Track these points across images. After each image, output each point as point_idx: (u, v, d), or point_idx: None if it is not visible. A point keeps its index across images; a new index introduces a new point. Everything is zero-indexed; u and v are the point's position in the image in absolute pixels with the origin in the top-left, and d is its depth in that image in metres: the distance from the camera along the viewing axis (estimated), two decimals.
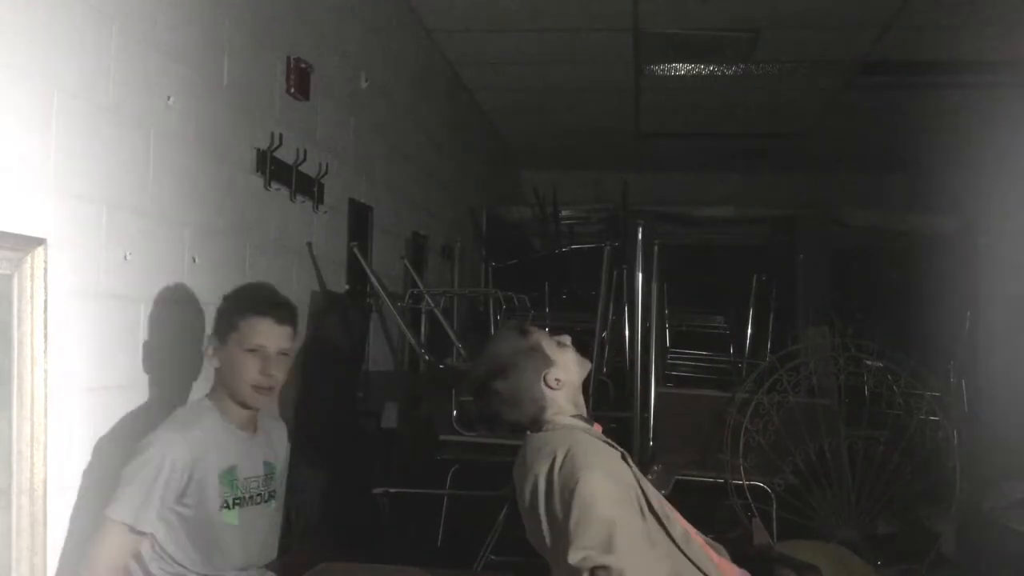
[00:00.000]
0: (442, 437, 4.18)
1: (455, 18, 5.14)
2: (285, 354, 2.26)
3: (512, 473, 2.28)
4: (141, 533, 2.08)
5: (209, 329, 2.34)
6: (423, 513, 3.97)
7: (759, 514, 3.74)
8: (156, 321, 2.47)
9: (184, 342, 2.62)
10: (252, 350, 2.20)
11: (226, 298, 2.31)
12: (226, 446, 2.21)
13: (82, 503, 2.20)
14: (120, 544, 2.07)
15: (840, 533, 3.86)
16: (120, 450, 2.20)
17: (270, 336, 2.22)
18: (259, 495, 2.29)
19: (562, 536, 2.01)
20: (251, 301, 2.27)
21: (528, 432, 2.27)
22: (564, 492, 2.02)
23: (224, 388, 2.25)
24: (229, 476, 2.20)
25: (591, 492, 2.00)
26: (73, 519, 2.18)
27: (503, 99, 6.82)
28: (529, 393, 2.24)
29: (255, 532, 2.28)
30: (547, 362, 2.25)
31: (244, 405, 2.26)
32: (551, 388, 2.25)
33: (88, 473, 2.22)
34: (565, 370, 2.27)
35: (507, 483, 3.68)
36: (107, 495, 2.09)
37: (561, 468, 2.06)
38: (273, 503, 2.36)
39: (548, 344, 2.30)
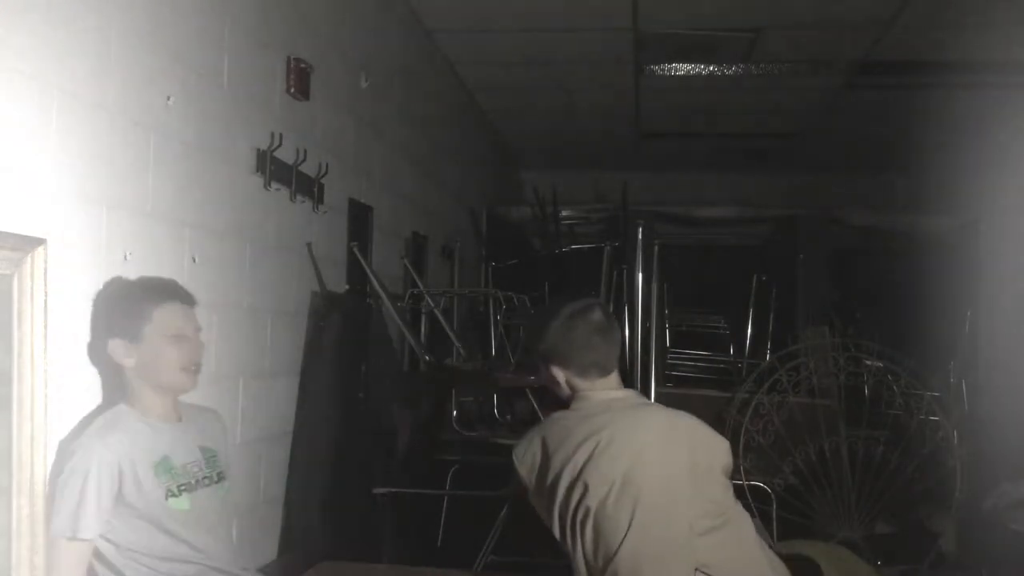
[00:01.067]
0: (442, 437, 4.19)
1: (455, 18, 5.14)
2: (199, 331, 2.32)
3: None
4: (82, 540, 2.07)
5: None
6: (423, 513, 3.96)
7: (759, 514, 3.74)
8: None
9: None
10: (173, 336, 2.22)
11: (121, 296, 2.26)
12: (151, 440, 2.20)
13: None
14: (68, 559, 2.06)
15: (840, 533, 3.86)
16: None
17: (186, 319, 2.27)
18: (206, 478, 2.30)
19: None
20: (157, 291, 2.27)
21: None
22: None
23: (142, 384, 2.22)
24: (164, 465, 2.20)
25: None
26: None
27: (503, 99, 6.81)
28: None
29: (212, 513, 2.29)
30: None
31: (177, 390, 2.26)
32: None
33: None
34: None
35: (507, 483, 3.69)
36: None
37: None
38: (226, 484, 2.36)
39: None
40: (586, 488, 2.31)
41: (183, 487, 2.22)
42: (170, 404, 2.29)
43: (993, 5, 4.62)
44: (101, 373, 2.31)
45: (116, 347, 2.19)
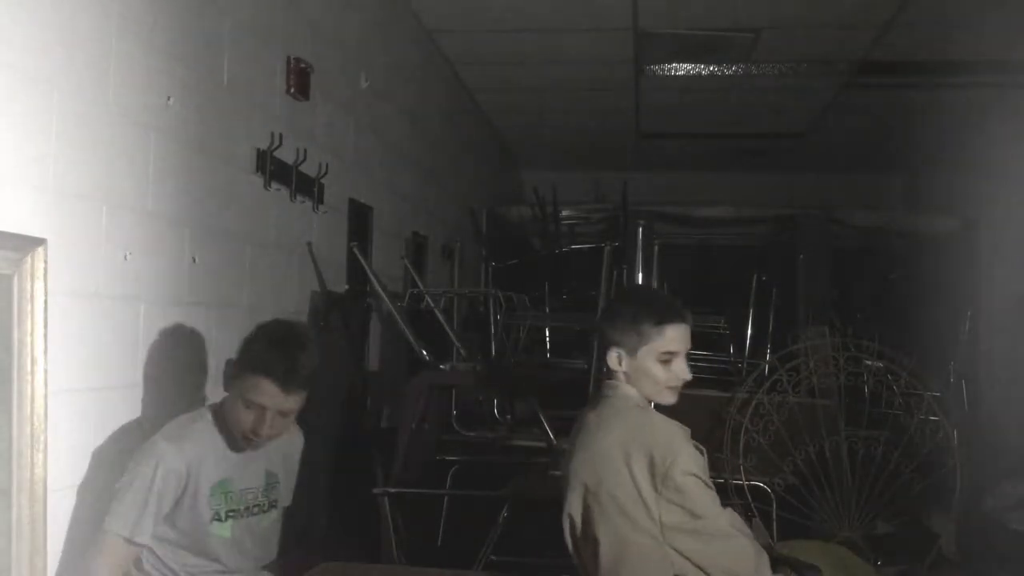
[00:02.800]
0: (442, 437, 4.19)
1: (455, 18, 5.14)
2: (286, 415, 2.18)
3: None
4: (138, 545, 2.08)
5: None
6: (423, 513, 3.96)
7: (759, 514, 3.74)
8: (154, 322, 2.47)
9: (182, 345, 2.62)
10: (250, 405, 2.14)
11: (253, 336, 2.20)
12: (219, 458, 2.20)
13: (81, 504, 2.20)
14: (118, 556, 2.08)
15: (840, 533, 3.85)
16: (117, 452, 2.20)
17: (274, 400, 2.13)
18: (257, 506, 2.28)
19: None
20: (264, 359, 2.12)
21: None
22: None
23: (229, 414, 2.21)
24: (222, 488, 2.20)
25: None
26: (73, 521, 2.18)
27: (503, 99, 6.82)
28: None
29: (249, 542, 2.28)
30: None
31: (233, 445, 2.23)
32: None
33: (86, 480, 2.22)
34: None
35: (507, 483, 3.69)
36: (106, 500, 2.10)
37: None
38: (274, 512, 2.35)
39: None
40: None
41: (231, 513, 2.21)
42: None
43: (993, 5, 4.63)
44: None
45: (227, 370, 2.19)
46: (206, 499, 2.16)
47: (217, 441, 2.21)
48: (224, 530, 2.20)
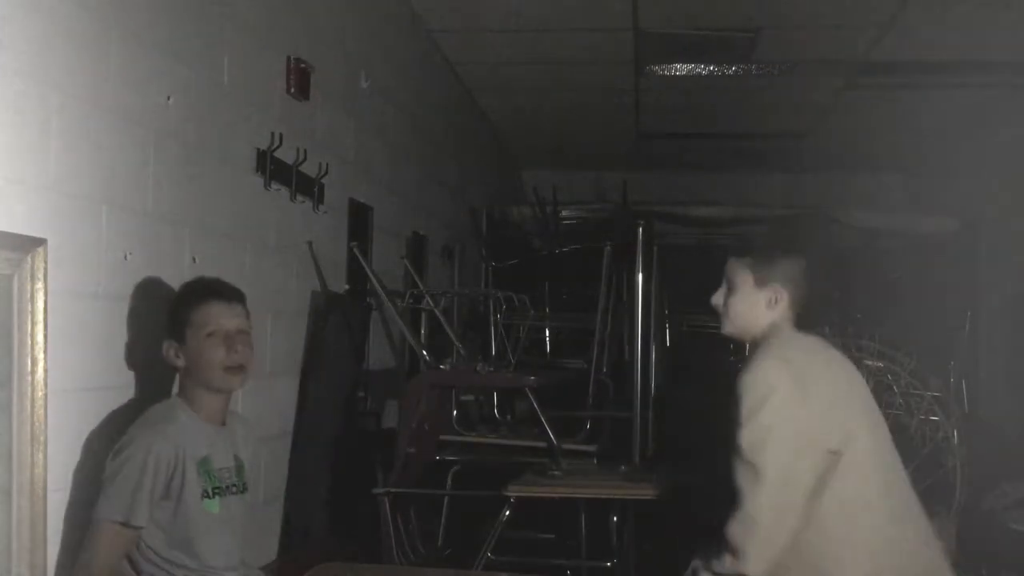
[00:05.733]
0: (442, 437, 4.19)
1: (455, 18, 5.14)
2: (245, 332, 2.31)
3: None
4: (135, 528, 2.09)
5: None
6: (423, 513, 3.96)
7: None
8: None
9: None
10: (211, 334, 2.24)
11: (173, 299, 2.35)
12: (199, 437, 2.24)
13: (74, 503, 2.20)
14: (114, 544, 2.09)
15: None
16: (107, 448, 2.20)
17: (223, 316, 2.27)
18: (234, 485, 2.33)
19: None
20: (195, 291, 2.31)
21: None
22: None
23: (194, 383, 2.28)
24: (204, 466, 2.23)
25: None
26: (66, 519, 2.17)
27: (503, 99, 6.81)
28: None
29: (235, 522, 2.32)
30: None
31: (220, 390, 2.29)
32: None
33: (79, 472, 2.22)
34: None
35: (507, 483, 3.69)
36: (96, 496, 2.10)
37: None
38: (247, 495, 2.40)
39: None
40: None
41: (216, 490, 2.25)
42: (220, 407, 2.33)
43: (993, 5, 4.62)
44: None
45: (168, 349, 2.27)
46: (195, 477, 2.20)
47: (195, 421, 2.26)
48: (213, 506, 2.23)
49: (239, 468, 2.38)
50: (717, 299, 2.65)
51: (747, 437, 2.39)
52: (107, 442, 2.22)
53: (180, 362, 2.27)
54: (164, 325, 2.31)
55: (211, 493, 2.23)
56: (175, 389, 2.37)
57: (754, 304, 2.59)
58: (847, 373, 2.64)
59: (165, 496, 2.15)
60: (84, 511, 2.15)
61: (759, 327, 2.60)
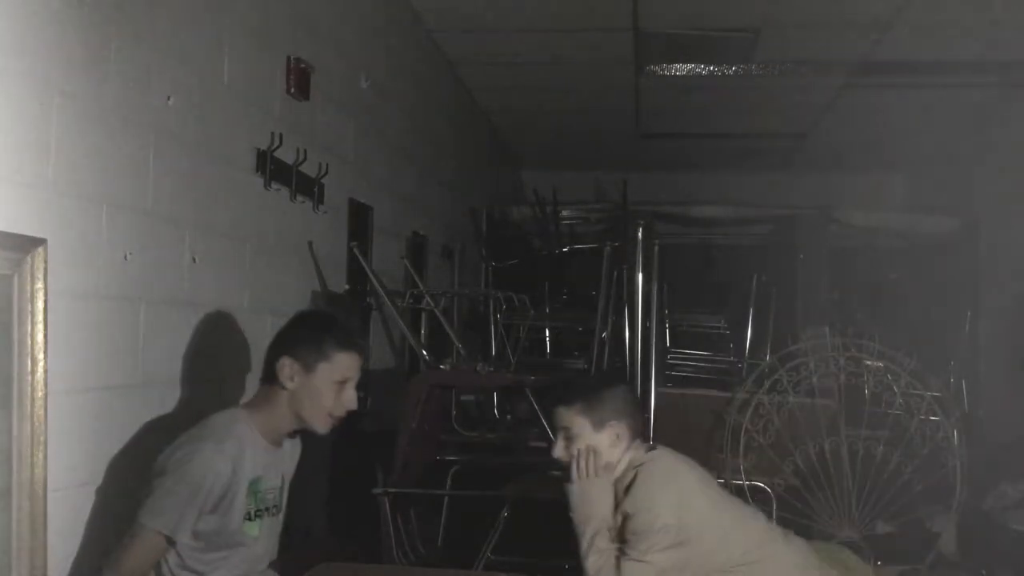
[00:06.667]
0: (442, 437, 4.19)
1: (455, 18, 5.14)
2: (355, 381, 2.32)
3: None
4: (174, 544, 2.09)
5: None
6: (423, 513, 3.96)
7: None
8: (157, 323, 2.47)
9: (184, 344, 2.62)
10: (341, 382, 2.25)
11: (312, 324, 2.33)
12: (256, 458, 2.22)
13: (81, 504, 2.20)
14: (152, 552, 2.08)
15: (840, 533, 3.86)
16: (123, 453, 2.20)
17: (356, 370, 2.29)
18: (275, 506, 2.32)
19: None
20: (346, 335, 2.29)
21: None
22: None
23: (289, 408, 2.25)
24: (255, 487, 2.22)
25: None
26: (74, 521, 2.18)
27: (503, 99, 6.81)
28: None
29: (269, 541, 2.32)
30: None
31: (313, 430, 2.28)
32: None
33: (93, 479, 2.22)
34: None
35: (507, 483, 3.69)
36: (114, 498, 2.10)
37: None
38: (281, 515, 2.39)
39: None
40: None
41: (258, 513, 2.24)
42: (287, 433, 2.32)
43: (993, 5, 4.63)
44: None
45: (286, 365, 2.23)
46: (243, 498, 2.18)
47: (256, 439, 2.23)
48: (252, 528, 2.22)
49: (282, 488, 2.36)
50: (559, 452, 2.63)
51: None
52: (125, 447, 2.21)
53: (292, 384, 2.23)
54: (286, 339, 2.28)
55: (253, 516, 2.22)
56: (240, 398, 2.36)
57: (598, 447, 2.60)
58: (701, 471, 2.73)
59: (212, 512, 2.13)
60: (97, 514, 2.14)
61: (612, 466, 2.61)
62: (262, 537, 2.27)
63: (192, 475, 2.07)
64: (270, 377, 2.25)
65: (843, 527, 3.90)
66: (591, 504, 2.55)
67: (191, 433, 2.17)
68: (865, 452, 3.90)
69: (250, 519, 2.21)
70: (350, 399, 2.27)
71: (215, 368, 2.78)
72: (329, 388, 2.24)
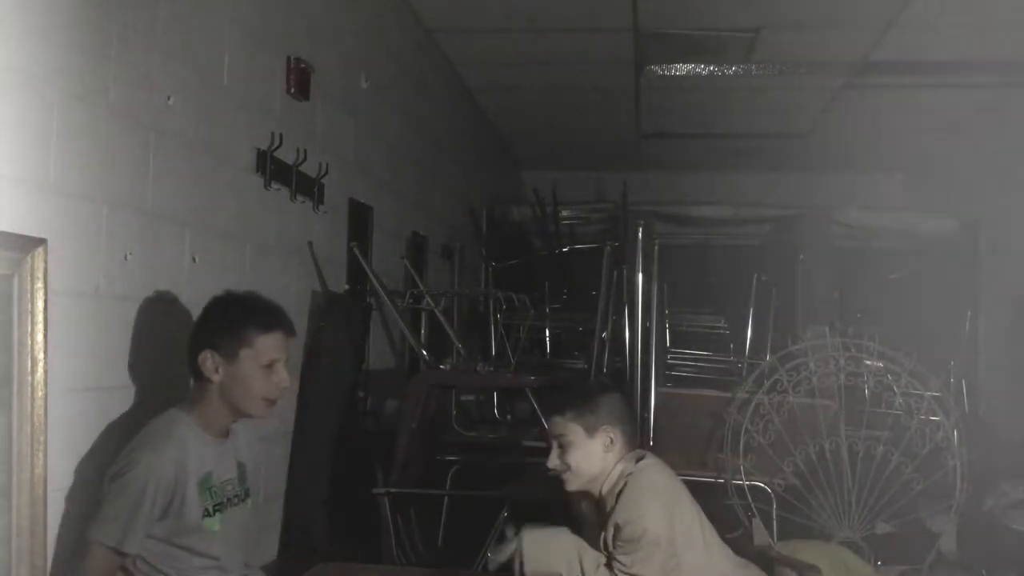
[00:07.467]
0: (442, 437, 4.19)
1: (455, 18, 5.14)
2: (287, 361, 2.29)
3: None
4: (124, 555, 2.08)
5: None
6: (423, 513, 3.96)
7: (759, 514, 3.74)
8: (148, 322, 2.47)
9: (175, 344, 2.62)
10: (267, 365, 2.22)
11: (226, 312, 2.27)
12: (200, 455, 2.20)
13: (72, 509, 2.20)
14: (102, 565, 2.07)
15: (840, 533, 3.85)
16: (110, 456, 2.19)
17: (283, 350, 2.25)
18: (236, 496, 2.30)
19: None
20: (261, 317, 2.25)
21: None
22: None
23: (223, 401, 2.23)
24: (206, 483, 2.20)
25: None
26: (63, 527, 2.17)
27: (503, 99, 6.82)
28: None
29: (235, 531, 2.29)
30: None
31: (252, 416, 2.27)
32: None
33: (92, 479, 2.22)
34: None
35: (507, 483, 3.69)
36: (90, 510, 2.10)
37: None
38: (249, 501, 2.37)
39: None
40: None
41: (218, 507, 2.22)
42: (231, 423, 2.30)
43: (993, 5, 4.62)
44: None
45: (207, 359, 2.20)
46: (196, 498, 2.16)
47: (198, 437, 2.21)
48: (213, 524, 2.20)
49: (242, 475, 2.35)
50: (553, 462, 2.64)
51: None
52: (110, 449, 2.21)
53: (217, 377, 2.21)
54: (202, 332, 2.25)
55: (212, 511, 2.20)
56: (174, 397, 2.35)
57: (592, 453, 2.61)
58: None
59: (163, 517, 2.11)
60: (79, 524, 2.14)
61: (606, 473, 2.62)
62: (229, 530, 2.25)
63: (132, 485, 2.06)
64: (196, 373, 2.23)
65: (843, 527, 3.89)
66: (551, 555, 2.58)
67: (131, 443, 2.15)
68: (865, 452, 3.89)
69: (209, 515, 2.19)
70: (282, 379, 2.24)
71: None
72: (257, 373, 2.21)
